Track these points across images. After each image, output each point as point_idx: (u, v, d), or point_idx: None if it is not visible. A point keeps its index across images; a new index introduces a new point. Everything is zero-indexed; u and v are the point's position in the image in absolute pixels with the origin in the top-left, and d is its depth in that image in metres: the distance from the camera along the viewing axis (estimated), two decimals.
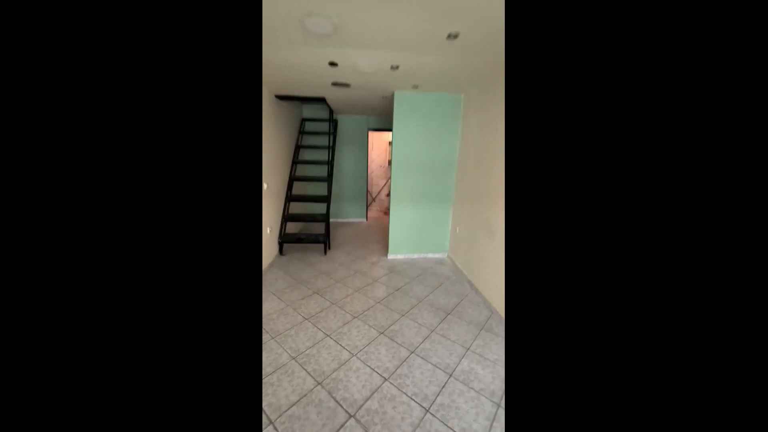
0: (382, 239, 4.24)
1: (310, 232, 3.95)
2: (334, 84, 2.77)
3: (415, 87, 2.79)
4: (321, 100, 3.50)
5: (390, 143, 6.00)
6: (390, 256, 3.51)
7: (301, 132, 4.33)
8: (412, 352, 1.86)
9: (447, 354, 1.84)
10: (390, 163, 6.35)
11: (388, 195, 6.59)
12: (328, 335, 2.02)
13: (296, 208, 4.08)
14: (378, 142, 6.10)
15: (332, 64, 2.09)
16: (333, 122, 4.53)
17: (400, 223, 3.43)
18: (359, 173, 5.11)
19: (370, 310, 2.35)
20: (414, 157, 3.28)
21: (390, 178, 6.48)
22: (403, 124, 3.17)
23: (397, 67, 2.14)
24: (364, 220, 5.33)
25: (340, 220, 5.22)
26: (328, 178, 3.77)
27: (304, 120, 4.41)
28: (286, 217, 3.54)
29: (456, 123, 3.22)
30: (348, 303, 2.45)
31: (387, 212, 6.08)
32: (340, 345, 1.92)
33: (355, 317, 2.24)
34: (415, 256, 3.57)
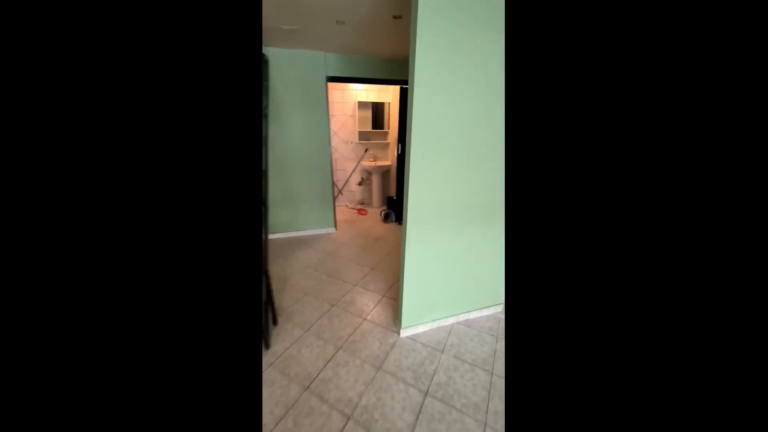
0: (371, 269, 2.42)
1: None
2: None
3: None
4: None
5: (360, 104, 3.94)
6: (405, 333, 1.74)
7: None
8: None
9: None
10: (361, 136, 4.33)
11: (361, 183, 4.63)
12: None
13: None
14: (340, 104, 3.99)
15: None
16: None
17: (423, 263, 1.62)
18: (318, 155, 3.06)
19: None
20: (450, 123, 1.40)
21: (361, 160, 4.52)
22: (432, 35, 1.23)
23: None
24: (333, 229, 3.39)
25: (293, 234, 3.22)
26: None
27: None
28: None
29: None
30: None
31: (362, 209, 4.17)
32: None
33: None
34: (451, 320, 1.85)
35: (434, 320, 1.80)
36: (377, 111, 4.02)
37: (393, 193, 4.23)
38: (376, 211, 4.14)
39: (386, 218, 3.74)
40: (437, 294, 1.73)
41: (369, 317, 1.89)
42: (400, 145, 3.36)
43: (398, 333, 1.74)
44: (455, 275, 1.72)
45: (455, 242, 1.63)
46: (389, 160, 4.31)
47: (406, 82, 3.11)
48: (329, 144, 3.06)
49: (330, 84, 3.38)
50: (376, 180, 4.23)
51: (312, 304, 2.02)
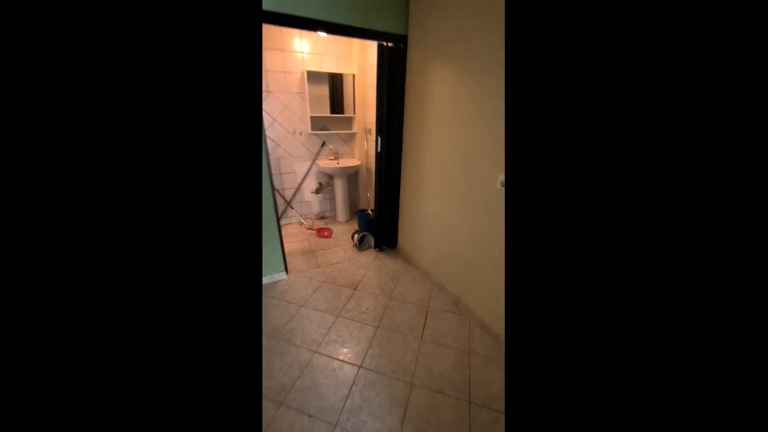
0: (358, 368, 1.30)
1: None
2: None
3: None
4: None
5: (310, 75, 2.65)
6: None
7: None
8: None
9: None
10: (315, 123, 2.89)
11: (318, 191, 3.28)
12: None
13: None
14: (280, 74, 2.64)
15: None
16: None
17: None
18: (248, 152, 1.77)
19: None
20: None
21: (316, 158, 2.97)
22: None
23: None
24: (282, 275, 2.14)
25: None
26: None
27: None
28: None
29: None
30: None
31: (323, 229, 2.94)
32: None
33: None
34: None
35: None
36: (336, 87, 2.79)
37: (366, 204, 3.09)
38: (343, 230, 2.96)
39: (361, 243, 2.61)
40: None
41: None
42: (379, 137, 2.22)
43: None
44: None
45: None
46: (357, 157, 3.13)
47: (389, 37, 1.95)
48: (264, 136, 1.78)
49: (270, 29, 2.04)
50: (340, 186, 3.03)
51: None
